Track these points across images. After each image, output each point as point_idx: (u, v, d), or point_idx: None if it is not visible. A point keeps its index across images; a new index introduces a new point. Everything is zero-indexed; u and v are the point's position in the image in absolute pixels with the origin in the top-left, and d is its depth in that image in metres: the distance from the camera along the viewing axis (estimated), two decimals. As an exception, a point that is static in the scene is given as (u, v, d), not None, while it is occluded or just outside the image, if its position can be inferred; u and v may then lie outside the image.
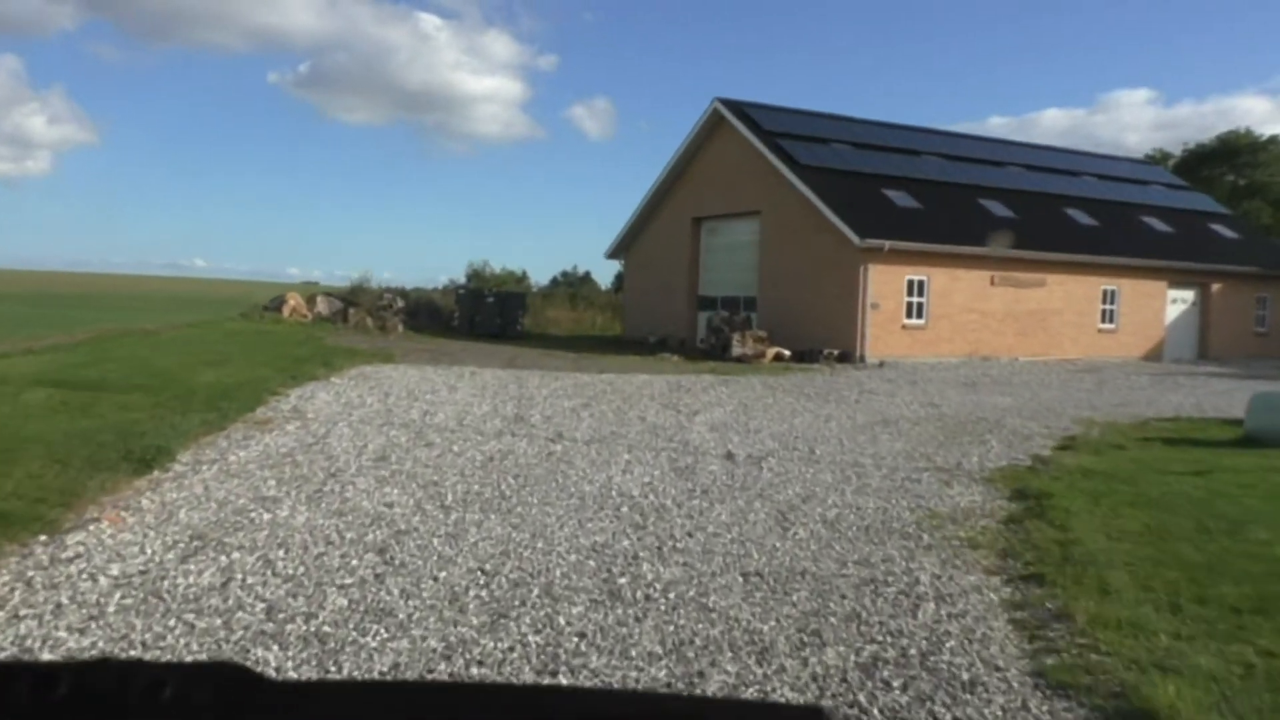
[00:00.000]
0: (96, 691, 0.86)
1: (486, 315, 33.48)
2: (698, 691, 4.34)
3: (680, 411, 13.95)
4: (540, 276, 71.50)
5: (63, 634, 4.95)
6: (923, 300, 27.53)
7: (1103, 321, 31.08)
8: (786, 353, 26.56)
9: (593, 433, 11.78)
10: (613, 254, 37.15)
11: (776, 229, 29.41)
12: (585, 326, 41.62)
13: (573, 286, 55.04)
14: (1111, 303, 31.19)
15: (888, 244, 26.02)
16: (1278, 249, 38.75)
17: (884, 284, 26.77)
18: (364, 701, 0.96)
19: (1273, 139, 55.22)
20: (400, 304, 32.71)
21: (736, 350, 26.21)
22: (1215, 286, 33.17)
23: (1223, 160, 55.24)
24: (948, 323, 27.91)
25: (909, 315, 27.35)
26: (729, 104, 31.38)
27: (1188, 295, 33.03)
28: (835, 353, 26.44)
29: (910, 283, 27.29)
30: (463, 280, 45.76)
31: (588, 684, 4.33)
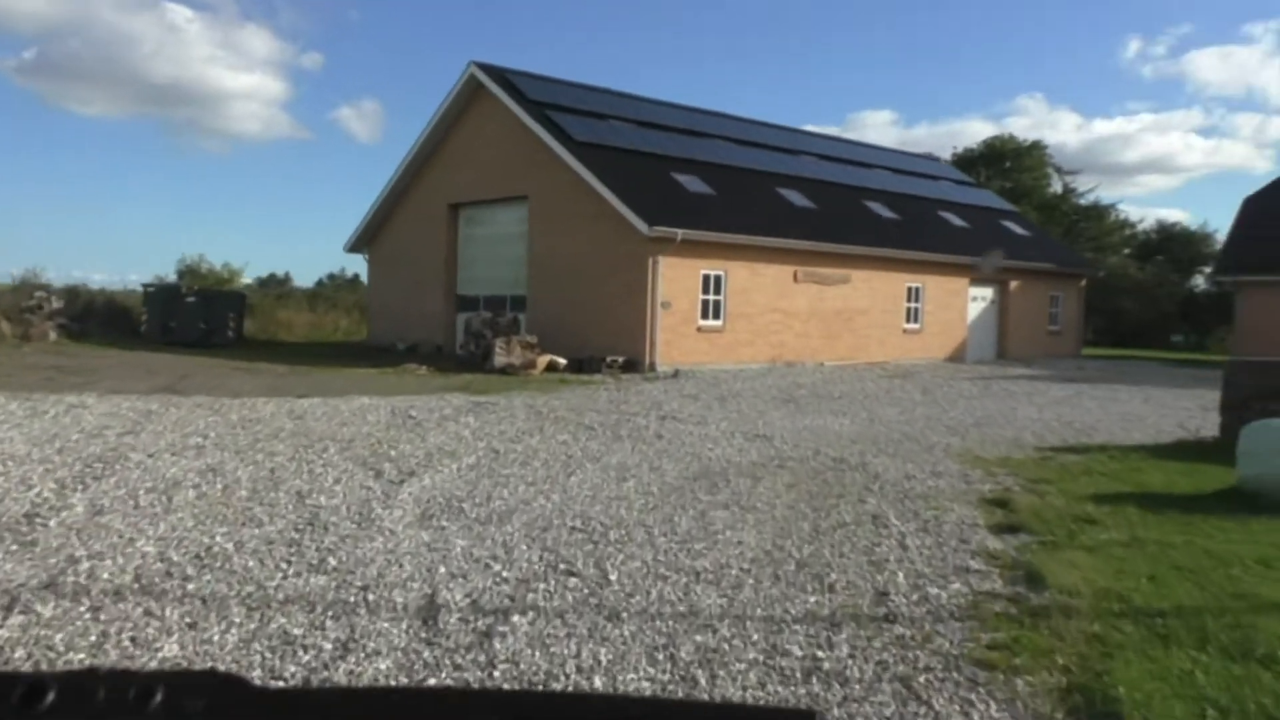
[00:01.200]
0: (85, 701, 0.86)
1: (185, 319, 26.51)
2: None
3: (383, 474, 8.50)
4: (305, 279, 63.22)
5: None
6: (720, 298, 23.42)
7: (908, 321, 28.27)
8: (562, 361, 21.64)
9: (145, 573, 5.49)
10: (354, 247, 30.96)
11: (548, 216, 24.47)
12: (327, 332, 35.09)
13: (322, 288, 47.80)
14: (916, 300, 28.45)
15: (680, 233, 21.67)
16: (1063, 248, 38.00)
17: (676, 280, 22.42)
18: (353, 709, 0.94)
19: (1035, 144, 56.33)
20: (55, 304, 25.16)
21: (500, 360, 21.01)
22: (1013, 284, 31.32)
23: (989, 164, 55.66)
24: (747, 324, 23.96)
25: (705, 315, 23.16)
26: (489, 70, 26.15)
27: (987, 293, 30.98)
28: (620, 360, 21.80)
29: (706, 278, 23.11)
30: (174, 279, 37.87)
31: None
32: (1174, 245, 56.15)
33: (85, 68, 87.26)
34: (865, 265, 26.68)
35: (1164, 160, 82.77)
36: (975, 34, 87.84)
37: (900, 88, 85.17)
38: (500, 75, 26.06)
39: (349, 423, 11.73)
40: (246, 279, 41.46)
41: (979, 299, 30.71)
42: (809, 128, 33.26)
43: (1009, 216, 36.34)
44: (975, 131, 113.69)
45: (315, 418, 12.05)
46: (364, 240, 30.71)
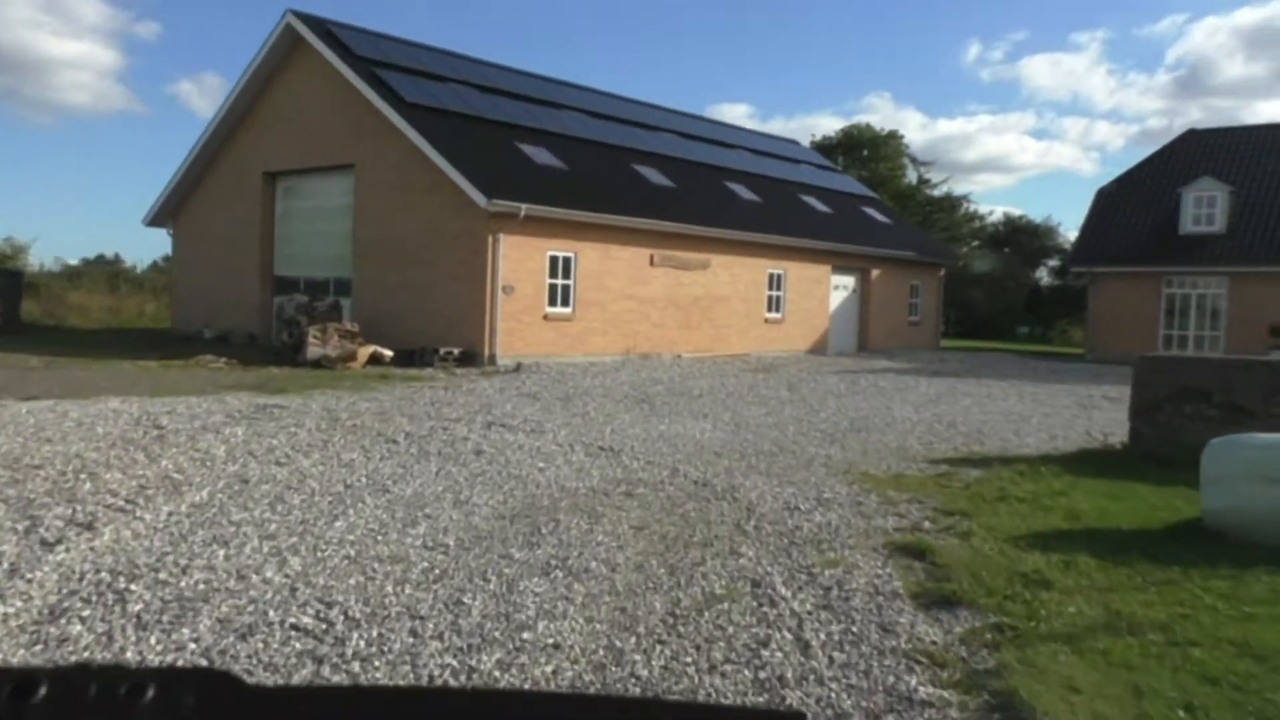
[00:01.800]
0: (76, 696, 0.85)
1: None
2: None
3: (40, 526, 5.74)
4: (143, 261, 56.90)
5: None
6: (569, 283, 21.14)
7: (770, 310, 26.72)
8: (388, 354, 18.92)
9: None
10: (155, 220, 27.10)
11: (376, 188, 21.59)
12: (129, 317, 30.94)
13: (109, 265, 42.77)
14: (778, 288, 26.93)
15: (524, 208, 19.26)
16: (923, 236, 37.48)
17: (520, 261, 20.00)
18: (347, 707, 0.94)
19: (892, 134, 56.39)
20: None
21: (314, 351, 18.12)
22: (875, 272, 30.29)
23: (846, 152, 55.37)
24: (600, 312, 21.78)
25: (553, 302, 20.83)
26: (309, 21, 22.97)
27: (849, 282, 29.83)
28: (456, 353, 19.24)
29: (554, 260, 20.78)
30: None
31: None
32: (1020, 238, 57.31)
33: None
34: (726, 250, 24.92)
35: (1000, 160, 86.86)
36: (826, 31, 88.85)
37: (755, 82, 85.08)
38: (322, 27, 22.93)
39: (59, 437, 8.85)
40: (35, 258, 36.45)
41: (841, 288, 29.52)
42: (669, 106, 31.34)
43: (870, 203, 35.45)
44: (828, 126, 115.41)
45: (15, 430, 9.09)
46: (167, 212, 26.91)
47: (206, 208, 26.15)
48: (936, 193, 56.45)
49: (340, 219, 22.78)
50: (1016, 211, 62.47)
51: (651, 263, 23.02)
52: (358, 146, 21.96)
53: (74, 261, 36.16)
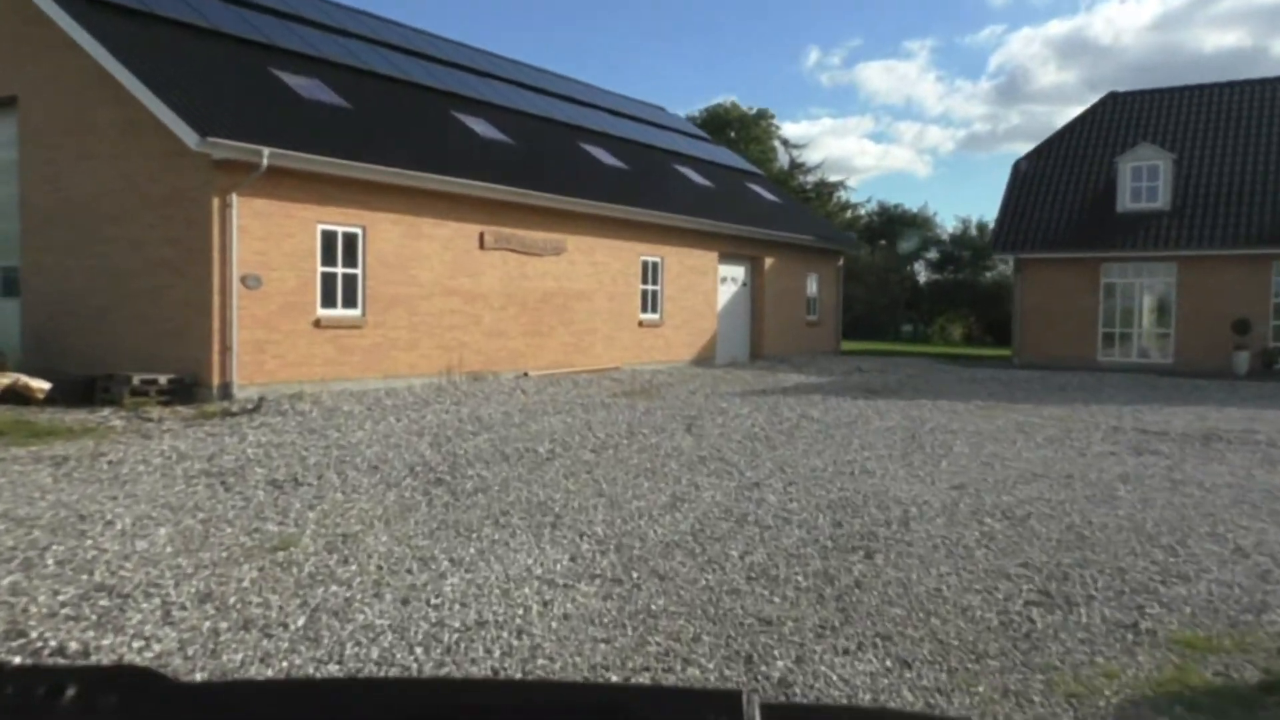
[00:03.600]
0: None
1: None
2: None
3: None
4: None
5: None
6: (356, 272, 14.29)
7: (645, 309, 20.48)
8: (38, 385, 11.63)
9: None
10: None
11: (48, 130, 14.16)
12: None
13: None
14: (654, 281, 20.74)
15: (267, 152, 12.32)
16: (817, 218, 32.14)
17: (272, 238, 13.06)
18: (274, 702, 0.92)
19: (762, 113, 51.30)
20: None
21: (-101, 389, 10.67)
22: (769, 261, 24.51)
23: (713, 133, 49.91)
24: (406, 314, 15.03)
25: (330, 300, 13.94)
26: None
27: (738, 273, 23.95)
28: (163, 381, 12.14)
29: (329, 238, 13.90)
30: None
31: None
32: (896, 228, 53.31)
33: None
34: (586, 229, 18.52)
35: (843, 162, 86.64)
36: (670, 36, 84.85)
37: (605, 80, 79.68)
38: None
39: None
40: None
41: (730, 280, 23.60)
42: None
43: (755, 179, 29.74)
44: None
45: None
46: None
47: None
48: (809, 179, 51.76)
49: (4, 179, 15.15)
50: (891, 200, 58.98)
51: (482, 244, 16.38)
52: (19, 70, 14.43)
53: None
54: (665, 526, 6.54)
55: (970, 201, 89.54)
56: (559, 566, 5.48)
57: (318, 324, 13.65)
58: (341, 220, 14.03)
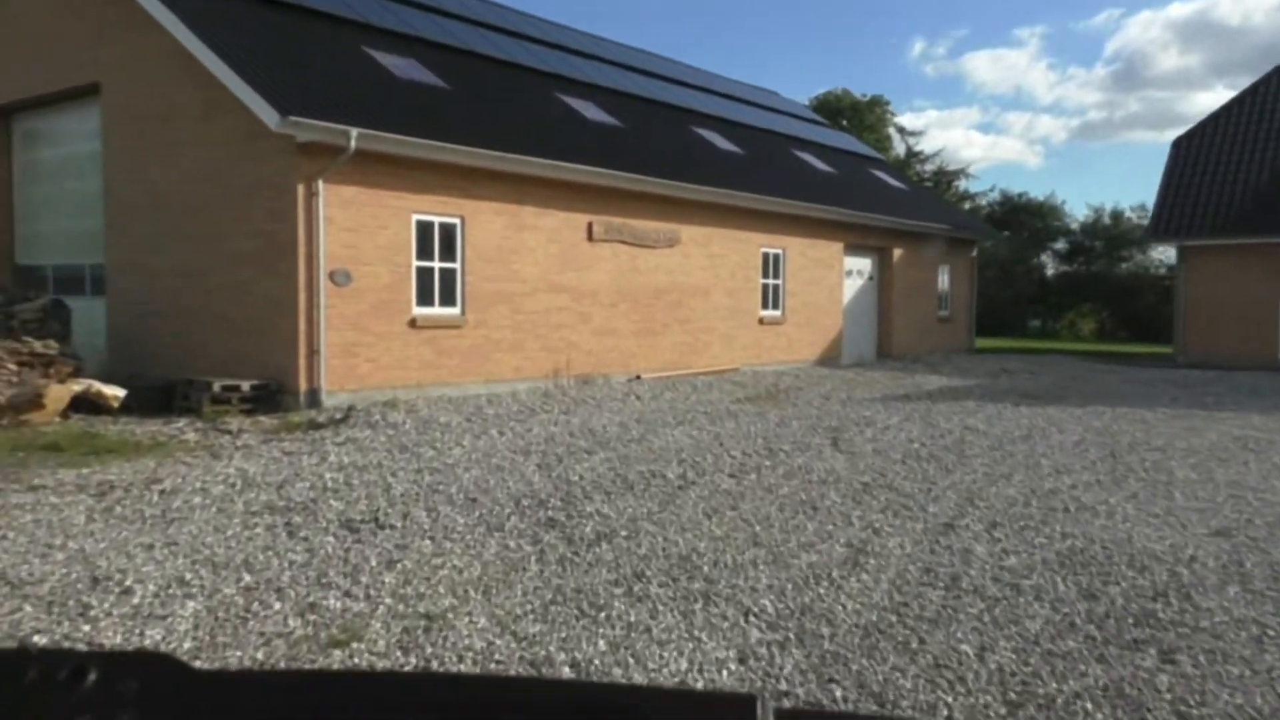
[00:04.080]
0: (15, 680, 0.84)
1: None
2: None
3: None
4: None
5: None
6: (455, 267, 12.96)
7: (765, 305, 18.71)
8: (113, 393, 10.58)
9: None
10: None
11: (129, 117, 13.22)
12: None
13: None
14: (775, 274, 18.95)
15: (355, 132, 11.01)
16: (949, 205, 29.82)
17: (362, 230, 11.80)
18: (293, 691, 0.93)
19: (876, 100, 48.73)
20: None
21: (-36, 397, 9.73)
22: (897, 253, 22.41)
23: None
24: (509, 311, 13.63)
25: (426, 298, 12.63)
26: None
27: (864, 265, 21.93)
28: (246, 388, 10.97)
29: (424, 229, 12.58)
30: None
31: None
32: (1021, 217, 50.03)
33: None
34: (701, 218, 16.86)
35: (950, 155, 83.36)
36: (774, 27, 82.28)
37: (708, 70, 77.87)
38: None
39: None
40: None
41: (855, 274, 21.61)
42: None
43: (878, 165, 27.59)
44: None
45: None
46: (-122, 178, 18.16)
47: (-75, 168, 17.50)
48: (928, 168, 48.97)
49: (90, 173, 14.33)
50: (1014, 189, 55.37)
51: (591, 236, 14.89)
52: (102, 54, 13.54)
53: None
54: (854, 598, 4.84)
55: (1088, 191, 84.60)
56: (725, 673, 3.84)
57: (413, 324, 12.34)
58: (438, 210, 12.70)
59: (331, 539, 5.61)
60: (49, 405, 9.82)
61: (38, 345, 10.25)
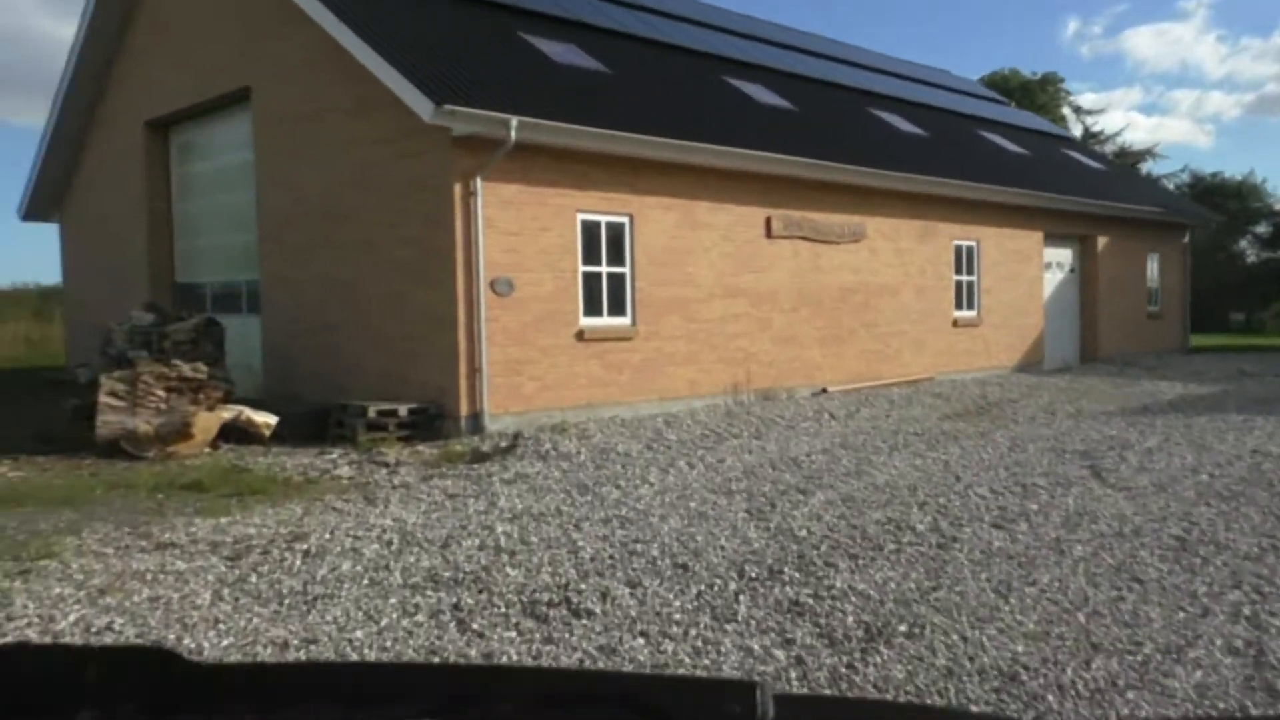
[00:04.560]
0: (13, 674, 0.85)
1: None
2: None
3: None
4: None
5: None
6: (624, 271, 11.61)
7: (959, 306, 16.66)
8: (264, 420, 9.67)
9: None
10: (32, 211, 18.60)
11: (279, 120, 12.45)
12: (46, 353, 22.59)
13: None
14: (969, 270, 16.86)
15: (515, 121, 9.76)
16: (1157, 186, 26.80)
17: (524, 232, 10.59)
18: (291, 684, 0.93)
19: (1048, 78, 45.17)
20: None
21: (110, 425, 9.02)
22: (1101, 241, 19.85)
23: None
24: (682, 320, 12.18)
25: (593, 308, 11.32)
26: None
27: (1064, 257, 19.51)
28: (403, 413, 9.88)
29: (590, 230, 11.28)
30: None
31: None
32: (1216, 200, 45.39)
33: (21, 78, 71.96)
34: (888, 208, 15.03)
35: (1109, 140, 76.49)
36: (921, 11, 78.03)
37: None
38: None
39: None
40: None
41: (1053, 265, 19.21)
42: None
43: (1070, 144, 24.88)
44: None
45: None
46: (48, 198, 18.38)
47: (90, 187, 17.53)
48: (1108, 149, 45.01)
49: (243, 184, 13.73)
50: (1207, 169, 50.25)
51: (769, 232, 13.30)
52: (251, 56, 12.86)
53: (4, 283, 28.22)
54: None
55: (1270, 170, 76.84)
56: None
57: (580, 336, 11.05)
58: (604, 208, 11.37)
59: (514, 634, 4.23)
60: (197, 435, 8.96)
61: (186, 369, 9.43)
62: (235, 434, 9.58)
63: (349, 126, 11.30)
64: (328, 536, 5.83)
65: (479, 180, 10.04)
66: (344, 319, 11.48)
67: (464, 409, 10.05)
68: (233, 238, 14.32)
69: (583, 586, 4.86)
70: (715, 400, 12.38)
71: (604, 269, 11.42)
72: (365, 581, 5.00)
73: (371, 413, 9.64)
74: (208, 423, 9.09)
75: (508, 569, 5.18)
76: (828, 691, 3.63)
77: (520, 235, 10.53)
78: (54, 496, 7.16)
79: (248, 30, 12.84)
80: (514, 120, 9.69)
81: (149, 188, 15.54)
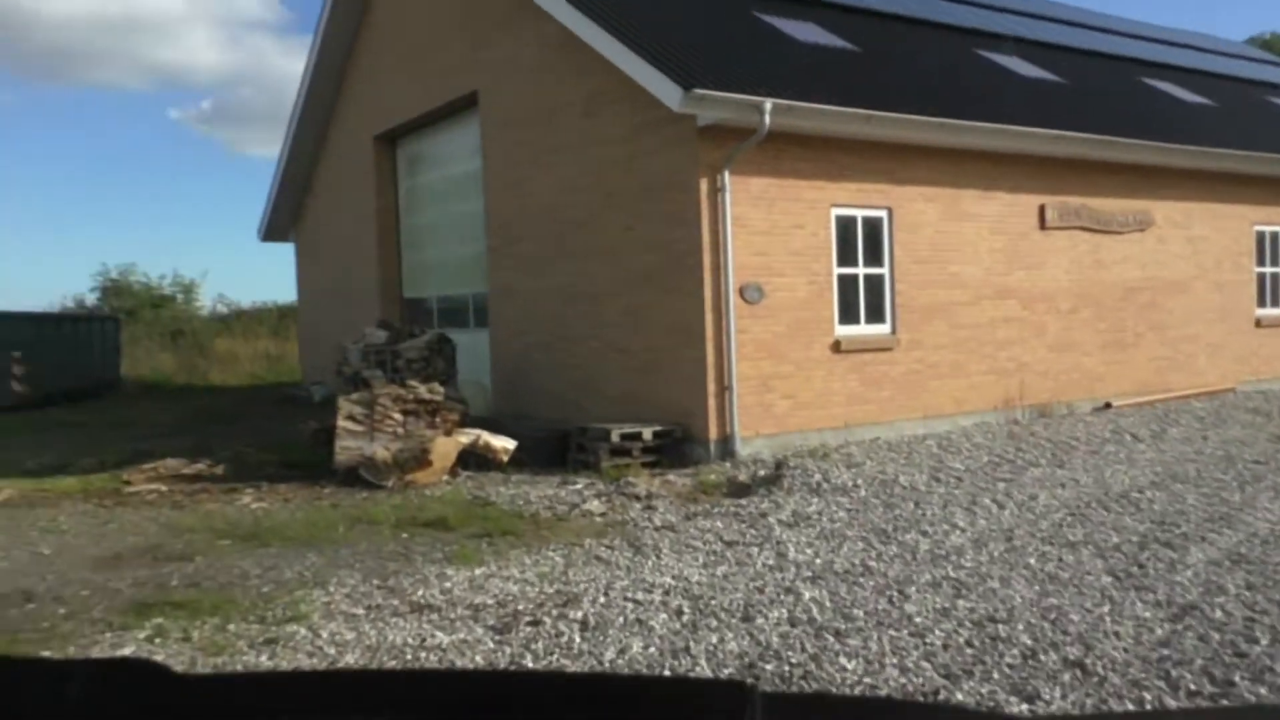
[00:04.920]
0: (3, 690, 0.83)
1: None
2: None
3: None
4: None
5: None
6: (882, 272, 10.25)
7: (1263, 303, 14.21)
8: (502, 445, 8.96)
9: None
10: (270, 233, 19.19)
11: (508, 123, 11.88)
12: (290, 366, 23.51)
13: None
14: (1273, 260, 14.36)
15: (769, 104, 8.61)
16: None
17: (776, 233, 9.46)
18: (284, 694, 0.91)
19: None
20: None
21: (349, 451, 8.55)
22: None
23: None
24: (946, 326, 10.69)
25: (849, 315, 10.03)
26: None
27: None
28: (648, 436, 8.94)
29: (845, 226, 10.00)
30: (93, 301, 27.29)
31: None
32: None
33: (257, 112, 79.54)
34: (1176, 190, 12.92)
35: None
36: None
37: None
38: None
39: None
40: (207, 298, 30.52)
41: (1373, 251, 16.17)
42: None
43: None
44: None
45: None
46: (284, 219, 18.90)
47: (322, 205, 17.85)
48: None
49: (471, 194, 13.32)
50: None
51: (1043, 222, 11.57)
52: (478, 58, 12.37)
53: (245, 302, 29.81)
54: None
55: None
56: None
57: (836, 347, 9.79)
58: (861, 201, 10.07)
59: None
60: (435, 462, 8.36)
61: (423, 390, 8.87)
62: (472, 459, 8.94)
63: (581, 126, 10.54)
64: (602, 600, 4.87)
65: (726, 174, 8.99)
66: (579, 332, 10.73)
67: (712, 432, 9.01)
68: (459, 249, 13.98)
69: (957, 696, 3.64)
70: (985, 418, 10.80)
71: (860, 270, 10.11)
72: (661, 670, 3.97)
73: (615, 436, 8.75)
74: (446, 449, 8.47)
75: (841, 659, 4.02)
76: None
77: (770, 235, 9.41)
78: (297, 534, 6.62)
79: (475, 33, 12.38)
80: (768, 103, 8.57)
81: (379, 202, 15.51)
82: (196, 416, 14.94)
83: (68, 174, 67.46)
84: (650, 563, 5.56)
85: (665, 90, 8.53)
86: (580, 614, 4.64)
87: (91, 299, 27.20)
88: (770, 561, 5.51)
